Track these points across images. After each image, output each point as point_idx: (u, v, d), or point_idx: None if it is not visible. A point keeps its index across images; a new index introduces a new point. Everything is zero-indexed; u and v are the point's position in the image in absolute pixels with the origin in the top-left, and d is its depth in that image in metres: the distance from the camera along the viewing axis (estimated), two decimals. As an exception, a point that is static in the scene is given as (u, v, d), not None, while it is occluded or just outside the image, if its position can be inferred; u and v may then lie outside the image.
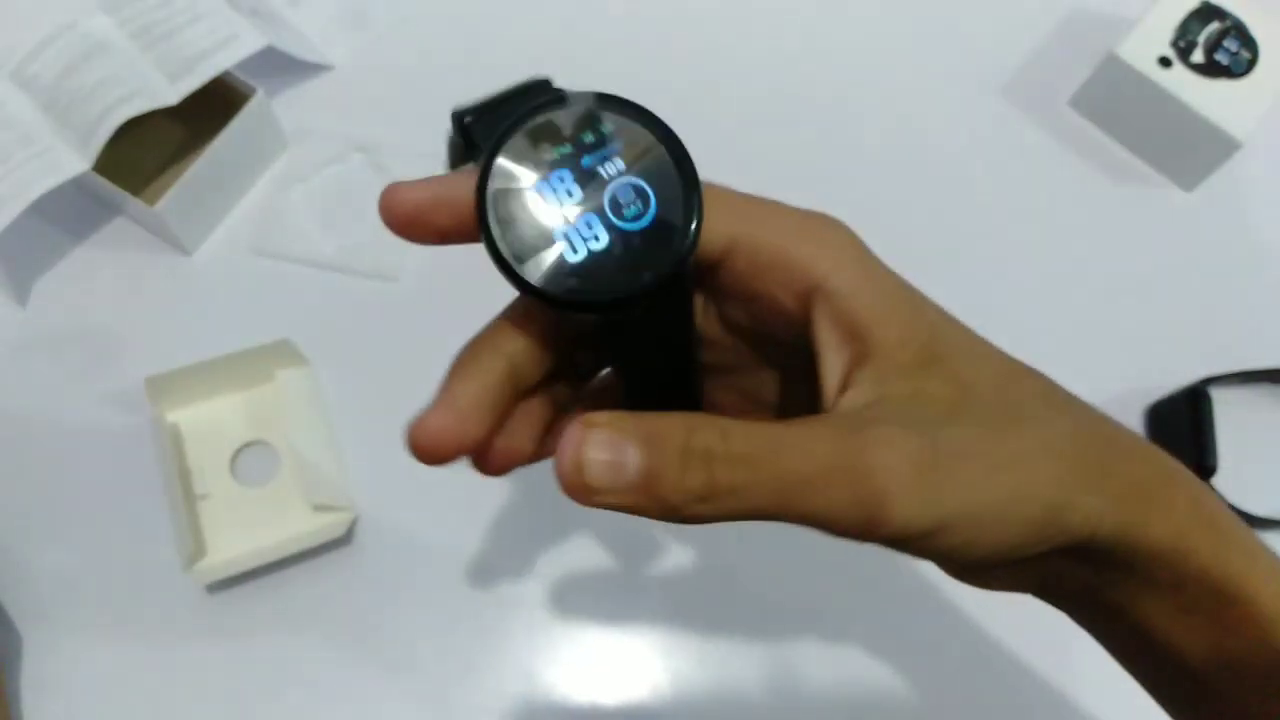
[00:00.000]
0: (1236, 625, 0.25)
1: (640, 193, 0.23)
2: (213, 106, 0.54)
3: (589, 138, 0.23)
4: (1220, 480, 0.51)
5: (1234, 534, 0.26)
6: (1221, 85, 0.57)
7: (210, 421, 0.52)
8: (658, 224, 0.23)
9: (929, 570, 0.53)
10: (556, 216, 0.23)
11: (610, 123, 0.24)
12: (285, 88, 0.60)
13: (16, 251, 0.54)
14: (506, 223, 0.23)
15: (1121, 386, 0.56)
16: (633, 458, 0.21)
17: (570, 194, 0.23)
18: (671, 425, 0.22)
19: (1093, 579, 0.26)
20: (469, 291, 0.56)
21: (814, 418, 0.23)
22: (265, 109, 0.55)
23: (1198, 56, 0.58)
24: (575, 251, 0.23)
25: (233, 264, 0.56)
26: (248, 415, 0.52)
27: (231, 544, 0.49)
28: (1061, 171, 0.62)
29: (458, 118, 0.26)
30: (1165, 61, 0.58)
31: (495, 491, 0.52)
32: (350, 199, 0.58)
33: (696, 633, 0.50)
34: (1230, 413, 0.54)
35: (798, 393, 0.28)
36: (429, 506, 0.51)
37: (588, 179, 0.23)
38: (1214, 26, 0.59)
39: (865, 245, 0.26)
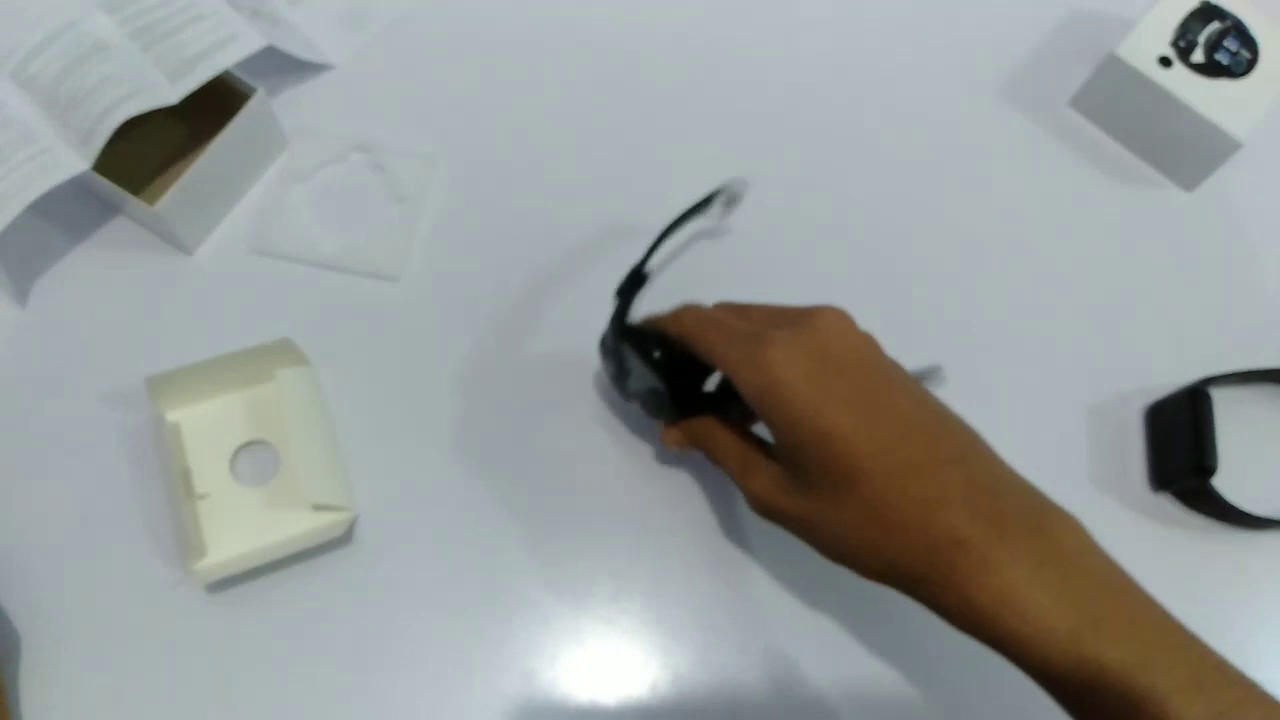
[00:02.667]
0: None
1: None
2: (213, 106, 0.54)
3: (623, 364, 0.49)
4: (1220, 481, 0.51)
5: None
6: (1222, 85, 0.57)
7: (210, 421, 0.52)
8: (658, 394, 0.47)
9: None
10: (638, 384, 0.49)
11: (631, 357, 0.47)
12: (285, 87, 0.60)
13: (16, 251, 0.54)
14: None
15: (1121, 386, 0.56)
16: None
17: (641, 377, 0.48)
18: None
19: None
20: (468, 291, 0.56)
21: None
22: (265, 108, 0.55)
23: (1198, 56, 0.58)
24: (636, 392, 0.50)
25: (233, 263, 0.56)
26: (248, 415, 0.52)
27: (231, 544, 0.49)
28: (1062, 171, 0.62)
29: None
30: (1165, 61, 0.58)
31: (494, 491, 0.52)
32: (350, 198, 0.58)
33: (697, 633, 0.50)
34: (1230, 413, 0.54)
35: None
36: (429, 506, 0.51)
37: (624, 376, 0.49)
38: (1214, 26, 0.59)
39: None
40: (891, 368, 0.40)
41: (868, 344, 0.41)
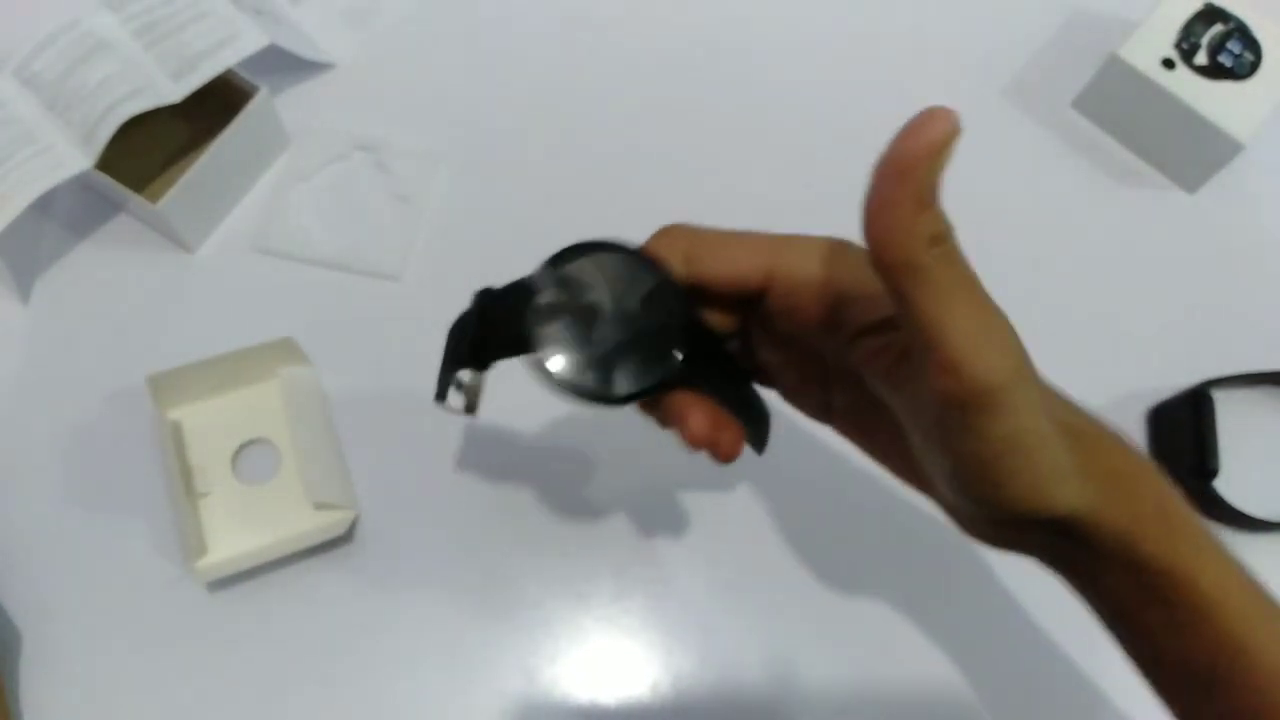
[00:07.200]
0: (1180, 603, 0.30)
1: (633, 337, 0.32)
2: (215, 104, 0.54)
3: (575, 293, 0.32)
4: (1221, 482, 0.51)
5: (1186, 527, 0.31)
6: (1224, 87, 0.57)
7: (212, 419, 0.52)
8: (648, 340, 0.32)
9: (927, 573, 0.53)
10: (583, 353, 0.32)
11: (583, 269, 0.32)
12: (288, 86, 0.60)
13: (19, 249, 0.54)
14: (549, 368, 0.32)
15: (1123, 388, 0.56)
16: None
17: (583, 335, 0.32)
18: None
19: (1070, 550, 0.31)
20: (470, 291, 0.56)
21: None
22: (268, 107, 0.55)
23: (1201, 58, 0.58)
24: (596, 370, 0.32)
25: (235, 262, 0.56)
26: (249, 413, 0.52)
27: (232, 542, 0.49)
28: (1064, 173, 0.62)
29: (475, 356, 0.36)
30: (1168, 63, 0.58)
31: (495, 490, 0.52)
32: (352, 197, 0.58)
33: (697, 633, 0.50)
34: (1232, 415, 0.54)
35: (851, 402, 0.34)
36: (430, 505, 0.51)
37: (590, 321, 0.32)
38: (1217, 28, 0.59)
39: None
40: None
41: None
